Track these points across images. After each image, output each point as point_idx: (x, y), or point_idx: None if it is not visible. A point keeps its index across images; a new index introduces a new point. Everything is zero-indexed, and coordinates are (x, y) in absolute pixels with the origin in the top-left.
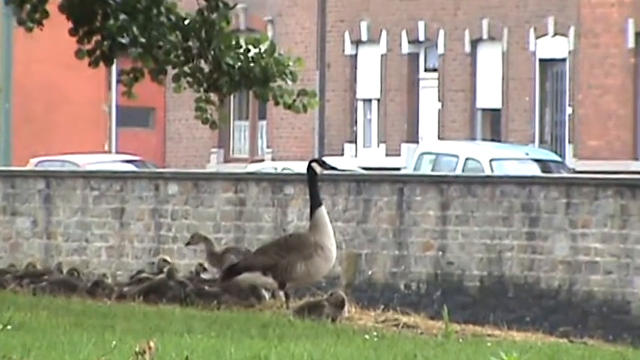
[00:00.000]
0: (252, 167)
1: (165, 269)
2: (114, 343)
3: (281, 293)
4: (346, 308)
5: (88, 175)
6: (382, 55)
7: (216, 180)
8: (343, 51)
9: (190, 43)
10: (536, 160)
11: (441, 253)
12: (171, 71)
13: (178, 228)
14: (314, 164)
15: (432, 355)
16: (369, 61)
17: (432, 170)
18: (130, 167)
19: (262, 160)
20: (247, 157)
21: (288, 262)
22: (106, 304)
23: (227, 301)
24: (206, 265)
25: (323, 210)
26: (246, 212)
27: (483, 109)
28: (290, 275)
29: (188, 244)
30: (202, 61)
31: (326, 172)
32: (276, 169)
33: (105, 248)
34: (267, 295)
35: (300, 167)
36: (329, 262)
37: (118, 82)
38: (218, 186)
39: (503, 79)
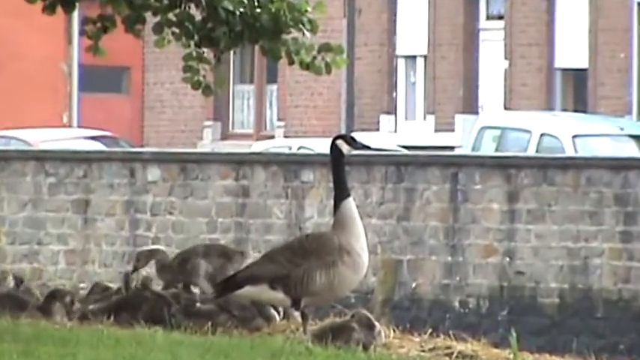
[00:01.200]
0: (259, 146)
1: (135, 278)
2: None
3: (296, 313)
4: (381, 331)
5: (41, 157)
6: None
7: (211, 163)
8: None
9: None
10: (635, 137)
11: (507, 259)
12: (152, 19)
13: (160, 226)
14: (340, 142)
15: None
16: (413, 5)
17: (496, 150)
18: (97, 146)
19: (272, 137)
20: (252, 133)
21: (305, 272)
22: (65, 326)
23: (224, 323)
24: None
25: (351, 202)
26: (250, 206)
27: (564, 70)
28: (307, 289)
29: (135, 270)
30: (193, 6)
31: (356, 152)
32: (290, 148)
33: (64, 253)
34: (277, 314)
35: (322, 146)
36: (359, 271)
37: (81, 34)
38: (214, 171)
39: (590, 30)
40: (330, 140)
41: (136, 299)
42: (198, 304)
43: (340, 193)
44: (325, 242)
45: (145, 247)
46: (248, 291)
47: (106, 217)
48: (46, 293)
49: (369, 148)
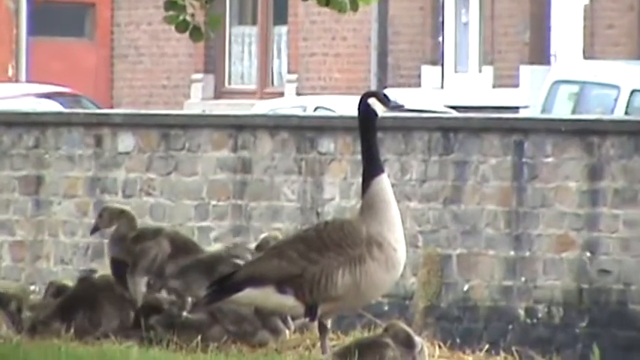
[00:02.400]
0: (264, 107)
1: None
2: None
3: (313, 323)
4: (423, 348)
5: None
6: None
7: (202, 128)
8: None
9: None
10: None
11: (588, 254)
12: None
13: (135, 211)
14: (371, 101)
15: None
16: None
17: (574, 112)
18: (53, 106)
19: (281, 95)
20: (255, 90)
21: (323, 270)
22: (10, 341)
23: (218, 337)
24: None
25: (385, 180)
26: (252, 184)
27: None
28: (326, 292)
29: (95, 230)
30: None
31: (390, 114)
32: (304, 109)
33: (9, 245)
34: (286, 326)
35: (346, 106)
36: (393, 269)
37: None
38: (205, 139)
39: None
40: (357, 99)
41: (103, 304)
42: (184, 313)
43: (370, 167)
44: (350, 232)
45: (116, 205)
46: (249, 295)
47: (63, 200)
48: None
49: (407, 109)
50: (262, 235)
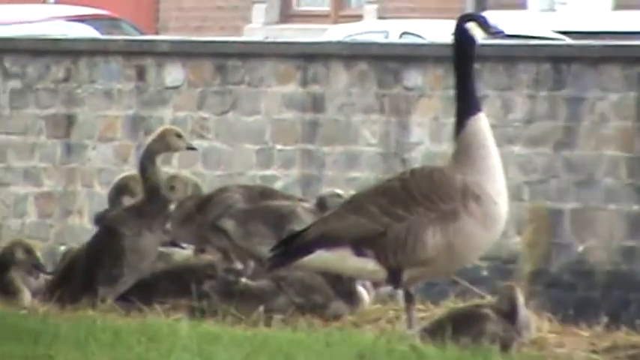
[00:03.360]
0: (339, 32)
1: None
2: None
3: (397, 291)
4: (530, 321)
5: None
6: None
7: (265, 58)
8: None
9: None
10: None
11: None
12: None
13: (186, 158)
14: (469, 26)
15: None
16: None
17: None
18: (87, 31)
19: (359, 19)
20: (328, 12)
21: (410, 228)
22: (35, 311)
23: (285, 308)
24: None
25: (483, 120)
26: (325, 125)
27: None
28: (413, 254)
29: (144, 170)
30: None
31: (491, 41)
32: (386, 35)
33: (35, 198)
34: (366, 293)
35: (437, 32)
36: (492, 226)
37: None
38: (268, 71)
39: None
40: (451, 23)
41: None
42: (243, 279)
43: (466, 105)
44: (441, 182)
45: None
46: (321, 258)
47: (99, 143)
48: None
49: (508, 35)
50: (322, 193)
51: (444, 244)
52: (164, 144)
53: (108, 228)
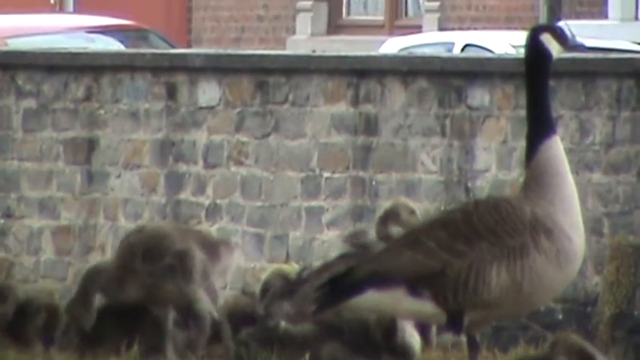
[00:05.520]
0: (394, 45)
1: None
2: None
3: (459, 337)
4: None
5: (11, 63)
6: None
7: (312, 74)
8: None
9: None
10: None
11: None
12: None
13: (222, 186)
14: (543, 38)
15: None
16: None
17: None
18: (111, 44)
19: (417, 29)
20: (382, 22)
21: (472, 266)
22: None
23: (333, 357)
24: None
25: (557, 144)
26: (379, 149)
27: None
28: (476, 294)
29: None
30: None
31: (568, 55)
32: (450, 48)
33: (52, 232)
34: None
35: (506, 44)
36: (567, 264)
37: None
38: (315, 88)
39: None
40: (521, 35)
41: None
42: (283, 324)
43: (540, 127)
44: (508, 214)
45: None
46: (373, 298)
47: (124, 171)
48: (18, 303)
49: (589, 48)
50: (389, 204)
51: (511, 283)
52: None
53: None
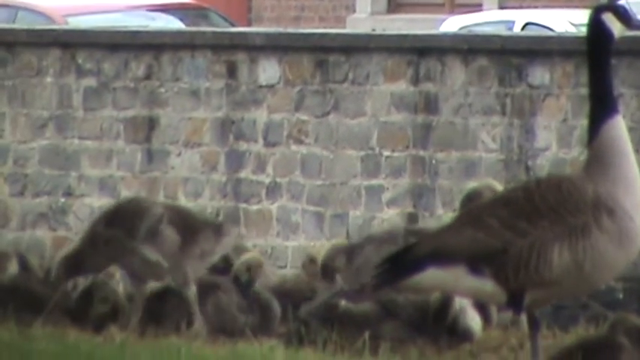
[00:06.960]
0: (454, 24)
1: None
2: None
3: (520, 316)
4: None
5: (71, 42)
6: None
7: (372, 52)
8: None
9: None
10: None
11: None
12: None
13: (282, 165)
14: (606, 17)
15: None
16: None
17: None
18: (171, 22)
19: (478, 8)
20: (442, 0)
21: (534, 245)
22: (112, 341)
23: (393, 335)
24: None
25: (620, 123)
26: (439, 128)
27: None
28: (537, 273)
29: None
30: None
31: (630, 33)
32: (510, 26)
33: None
34: (477, 322)
35: (565, 23)
36: (629, 243)
37: None
38: (375, 67)
39: None
40: (583, 13)
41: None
42: (343, 302)
43: (601, 106)
44: (570, 193)
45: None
46: (433, 276)
47: (185, 149)
48: (83, 285)
49: None
50: (471, 186)
51: (572, 262)
52: None
53: None
